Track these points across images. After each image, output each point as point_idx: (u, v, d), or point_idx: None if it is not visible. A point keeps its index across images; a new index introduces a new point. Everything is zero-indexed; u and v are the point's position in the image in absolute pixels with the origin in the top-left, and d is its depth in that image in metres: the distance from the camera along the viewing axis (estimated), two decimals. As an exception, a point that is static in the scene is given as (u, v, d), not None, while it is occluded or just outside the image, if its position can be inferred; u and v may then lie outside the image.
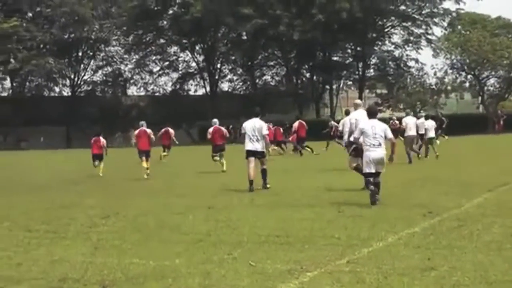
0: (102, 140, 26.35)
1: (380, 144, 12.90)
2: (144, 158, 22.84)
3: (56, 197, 16.22)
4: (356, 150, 14.80)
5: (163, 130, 32.78)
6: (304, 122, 34.99)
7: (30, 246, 9.44)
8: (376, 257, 7.94)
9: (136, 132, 24.00)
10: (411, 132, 25.80)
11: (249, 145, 16.54)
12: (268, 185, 16.40)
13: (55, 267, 7.97)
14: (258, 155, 16.57)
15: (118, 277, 7.34)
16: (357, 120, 14.82)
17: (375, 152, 12.85)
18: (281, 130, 37.77)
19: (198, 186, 18.40)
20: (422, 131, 27.05)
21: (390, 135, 13.29)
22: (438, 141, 35.79)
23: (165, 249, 8.87)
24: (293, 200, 13.85)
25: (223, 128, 25.26)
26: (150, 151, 23.46)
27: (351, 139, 14.71)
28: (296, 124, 34.91)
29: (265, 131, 16.75)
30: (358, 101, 17.25)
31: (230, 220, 11.14)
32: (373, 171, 12.78)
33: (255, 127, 16.59)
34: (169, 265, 7.84)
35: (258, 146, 16.52)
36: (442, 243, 8.66)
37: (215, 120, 25.51)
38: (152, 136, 23.89)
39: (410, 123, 26.06)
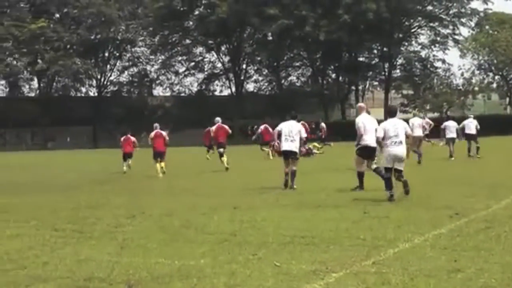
0: (133, 138, 27.21)
1: (401, 142, 13.54)
2: (159, 159, 23.72)
3: (82, 196, 16.33)
4: (363, 151, 15.39)
5: (262, 127, 33.92)
6: (306, 124, 34.75)
7: (56, 245, 9.48)
8: (402, 258, 7.87)
9: (152, 134, 24.48)
10: (417, 132, 25.75)
11: (285, 145, 17.14)
12: (295, 186, 16.65)
13: (81, 266, 7.99)
14: (291, 155, 17.05)
15: (143, 276, 7.35)
16: (364, 124, 15.41)
17: (395, 149, 13.50)
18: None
19: (223, 186, 18.41)
20: (471, 131, 27.53)
21: (410, 132, 14.22)
22: (442, 143, 35.69)
23: (190, 249, 8.86)
24: (318, 200, 13.80)
25: (226, 126, 25.85)
26: (165, 152, 24.19)
27: (364, 142, 15.34)
28: (262, 128, 34.68)
29: (304, 134, 17.57)
30: (362, 105, 17.26)
31: (255, 221, 11.11)
32: (390, 166, 13.47)
33: (292, 128, 17.21)
34: (194, 265, 7.83)
35: (292, 146, 17.06)
36: (469, 244, 8.56)
37: (218, 118, 26.13)
38: (167, 138, 24.75)
39: (416, 124, 26.07)
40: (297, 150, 17.20)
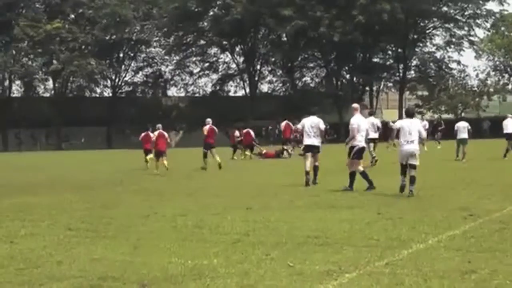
0: (151, 134, 27.87)
1: (413, 141, 14.71)
2: (160, 157, 25.85)
3: (96, 196, 16.39)
4: (359, 153, 16.17)
5: (244, 131, 35.32)
6: (291, 123, 35.03)
7: (70, 244, 9.51)
8: (416, 259, 7.85)
9: (156, 133, 26.53)
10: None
11: (307, 140, 17.63)
12: (317, 182, 17.38)
13: (95, 265, 8.01)
14: (314, 149, 17.59)
15: (156, 276, 7.36)
16: (359, 125, 16.30)
17: (408, 146, 14.71)
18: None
19: (236, 186, 18.42)
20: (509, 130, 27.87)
21: (424, 134, 15.84)
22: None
23: (203, 249, 8.87)
24: (332, 201, 13.79)
25: (215, 128, 27.30)
26: (165, 151, 26.22)
27: (358, 143, 16.17)
28: (283, 125, 35.07)
29: (322, 126, 17.84)
30: (356, 105, 17.42)
31: (268, 221, 11.10)
32: (404, 162, 14.64)
33: (313, 123, 17.70)
34: (207, 265, 7.84)
35: (315, 141, 17.60)
36: (483, 246, 8.53)
37: (209, 119, 27.34)
38: (169, 139, 27.31)
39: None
40: (319, 145, 17.70)
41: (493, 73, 71.34)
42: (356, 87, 73.31)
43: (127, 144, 66.29)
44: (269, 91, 78.43)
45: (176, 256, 8.41)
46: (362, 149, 16.42)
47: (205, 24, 73.99)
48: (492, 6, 76.94)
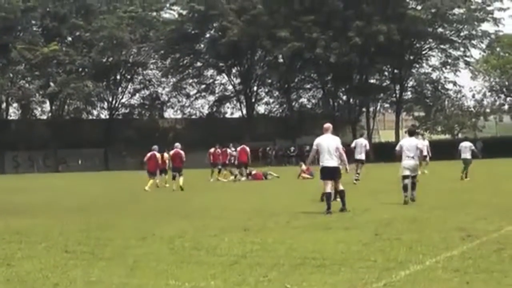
0: (158, 155, 30.12)
1: (413, 157, 17.66)
2: (153, 177, 29.01)
3: (93, 218, 16.32)
4: (322, 172, 15.90)
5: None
6: (247, 148, 35.11)
7: (67, 266, 9.49)
8: (414, 280, 7.84)
9: (148, 155, 29.79)
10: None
11: (325, 162, 16.05)
12: (348, 209, 15.79)
13: (91, 288, 7.98)
14: (333, 171, 16.08)
15: (153, 298, 7.34)
16: (320, 145, 16.17)
17: (409, 161, 17.63)
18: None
19: (233, 208, 18.38)
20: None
21: (424, 151, 19.77)
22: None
23: (200, 270, 8.86)
24: (329, 222, 13.77)
25: (182, 152, 28.70)
26: (156, 172, 29.66)
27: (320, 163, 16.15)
28: (238, 149, 35.16)
29: (340, 146, 16.41)
30: (326, 126, 17.03)
31: (265, 242, 11.09)
32: (407, 174, 17.41)
33: (330, 144, 16.27)
34: (205, 287, 7.84)
35: (333, 163, 16.10)
36: (481, 266, 8.52)
37: (177, 144, 29.14)
38: (160, 160, 29.90)
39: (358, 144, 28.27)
40: (339, 166, 16.24)
41: (489, 93, 71.57)
42: (352, 108, 73.37)
43: (124, 166, 66.25)
44: (266, 112, 78.51)
45: (174, 278, 8.40)
46: (322, 169, 15.98)
47: (202, 46, 74.20)
48: (488, 27, 77.27)
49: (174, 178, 28.27)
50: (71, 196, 27.04)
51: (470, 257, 9.18)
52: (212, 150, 36.75)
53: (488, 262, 8.81)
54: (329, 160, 15.95)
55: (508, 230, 11.75)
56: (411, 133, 18.68)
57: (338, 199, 16.32)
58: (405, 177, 17.37)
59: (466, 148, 27.91)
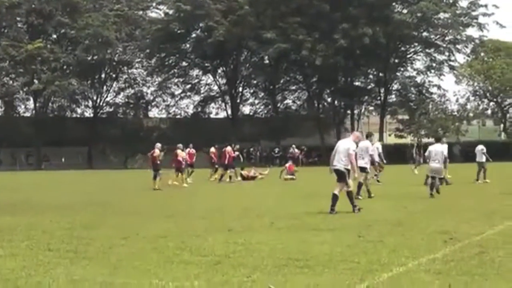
0: (180, 153, 31.11)
1: (438, 161, 20.79)
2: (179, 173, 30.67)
3: (76, 217, 16.24)
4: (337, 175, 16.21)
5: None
6: (229, 149, 35.02)
7: (50, 265, 9.45)
8: (396, 282, 7.89)
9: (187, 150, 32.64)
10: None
11: (334, 164, 16.36)
12: (357, 208, 16.04)
13: (74, 286, 7.98)
14: (337, 174, 16.29)
15: (137, 297, 7.33)
16: (336, 147, 16.59)
17: (433, 165, 20.79)
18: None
19: (218, 208, 18.36)
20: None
21: (446, 155, 22.32)
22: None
23: (184, 270, 8.85)
24: (313, 223, 13.80)
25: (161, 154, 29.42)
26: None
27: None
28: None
29: (351, 151, 16.30)
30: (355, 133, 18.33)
31: (249, 243, 11.10)
32: (432, 175, 20.64)
33: (342, 147, 16.48)
34: (188, 287, 7.82)
35: (338, 165, 16.22)
36: (463, 269, 8.59)
37: (158, 144, 29.80)
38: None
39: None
40: (341, 169, 16.17)
41: (473, 98, 72.00)
42: (337, 110, 73.59)
43: (108, 165, 66.03)
44: (251, 113, 78.50)
45: (157, 277, 8.37)
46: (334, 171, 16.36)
47: (188, 46, 74.03)
48: (472, 32, 77.49)
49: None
50: (54, 194, 26.91)
51: (452, 260, 9.25)
52: (213, 149, 36.80)
53: (469, 265, 8.88)
54: (336, 163, 16.24)
55: (490, 234, 11.84)
56: (438, 140, 22.53)
57: (360, 197, 18.96)
58: (432, 177, 20.67)
59: (478, 151, 28.45)
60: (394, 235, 11.79)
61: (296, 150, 41.07)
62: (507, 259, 9.27)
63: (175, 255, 10.14)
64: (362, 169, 19.79)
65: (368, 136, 23.54)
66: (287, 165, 37.02)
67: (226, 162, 34.06)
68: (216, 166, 36.15)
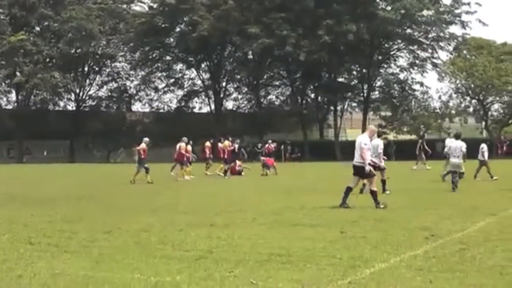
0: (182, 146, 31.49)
1: (459, 156, 21.89)
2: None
3: (58, 210, 16.17)
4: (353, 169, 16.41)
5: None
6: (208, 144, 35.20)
7: (31, 258, 9.41)
8: (378, 278, 7.92)
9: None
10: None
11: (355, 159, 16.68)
12: (380, 205, 16.00)
13: (56, 280, 7.95)
14: (356, 169, 16.52)
15: (119, 291, 7.31)
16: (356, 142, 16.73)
17: (454, 160, 22.00)
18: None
19: (201, 203, 18.35)
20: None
21: (464, 151, 22.06)
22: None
23: (166, 265, 8.84)
24: (295, 219, 13.81)
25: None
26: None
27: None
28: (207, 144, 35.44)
29: (363, 145, 16.42)
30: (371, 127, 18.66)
31: (232, 238, 11.10)
32: (453, 170, 21.81)
33: (357, 142, 16.71)
34: (170, 282, 7.82)
35: (357, 161, 16.48)
36: (444, 266, 8.64)
37: (146, 139, 29.71)
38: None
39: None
40: (360, 165, 16.31)
41: (455, 95, 72.26)
42: (320, 106, 73.66)
43: (90, 158, 65.74)
44: (234, 108, 78.41)
45: (139, 272, 8.37)
46: (353, 167, 16.71)
47: (172, 40, 73.73)
48: (455, 29, 77.89)
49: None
50: (36, 187, 26.75)
51: (434, 256, 9.29)
52: (208, 144, 36.87)
53: (451, 261, 8.92)
54: (356, 159, 16.49)
55: (471, 230, 11.90)
56: (457, 136, 22.95)
57: (388, 192, 19.79)
58: (452, 172, 21.90)
59: (482, 149, 28.46)
60: (377, 231, 11.81)
61: (272, 145, 40.88)
62: (488, 256, 9.31)
63: (158, 249, 10.11)
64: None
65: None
66: (263, 159, 36.80)
67: (226, 156, 33.93)
68: (210, 161, 36.03)
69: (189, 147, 31.90)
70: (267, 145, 38.43)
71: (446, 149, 23.83)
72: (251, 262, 8.97)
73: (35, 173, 41.95)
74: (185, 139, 31.73)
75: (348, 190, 16.28)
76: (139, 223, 13.40)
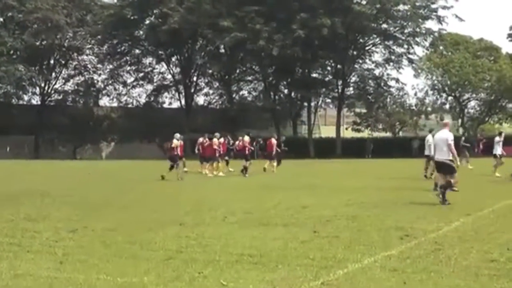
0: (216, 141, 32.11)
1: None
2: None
3: (21, 208, 15.77)
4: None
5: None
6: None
7: (-8, 259, 9.16)
8: (352, 279, 7.84)
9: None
10: None
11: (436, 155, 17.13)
12: (447, 202, 16.21)
13: (18, 281, 7.81)
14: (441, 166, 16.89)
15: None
16: (434, 140, 17.54)
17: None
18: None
19: (170, 201, 18.17)
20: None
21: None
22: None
23: (133, 265, 8.70)
24: (267, 218, 13.63)
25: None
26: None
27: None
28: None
29: (450, 141, 16.77)
30: (445, 121, 19.56)
31: (202, 238, 10.94)
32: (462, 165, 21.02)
33: (442, 139, 16.95)
34: (138, 283, 7.69)
35: (440, 158, 16.87)
36: (418, 266, 8.56)
37: (178, 134, 29.34)
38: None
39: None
40: (447, 162, 16.65)
41: (431, 92, 72.70)
42: (294, 102, 73.53)
43: (56, 154, 64.85)
44: (205, 104, 78.16)
45: (105, 272, 8.22)
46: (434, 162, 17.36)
47: (141, 32, 73.05)
48: (431, 25, 78.01)
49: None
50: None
51: (408, 257, 9.20)
52: (201, 140, 36.15)
53: (425, 262, 8.85)
54: (439, 156, 16.75)
55: (446, 230, 11.81)
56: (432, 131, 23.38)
57: (456, 188, 18.16)
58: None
59: (496, 142, 28.94)
60: (350, 231, 11.70)
61: (246, 140, 40.54)
62: (463, 256, 9.24)
63: (125, 249, 9.96)
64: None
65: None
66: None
67: (247, 152, 33.42)
68: (202, 158, 35.46)
69: (182, 142, 30.48)
70: (238, 142, 37.76)
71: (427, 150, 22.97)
72: (222, 262, 8.85)
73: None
74: (217, 134, 32.87)
75: (442, 188, 16.38)
76: (106, 221, 13.18)
